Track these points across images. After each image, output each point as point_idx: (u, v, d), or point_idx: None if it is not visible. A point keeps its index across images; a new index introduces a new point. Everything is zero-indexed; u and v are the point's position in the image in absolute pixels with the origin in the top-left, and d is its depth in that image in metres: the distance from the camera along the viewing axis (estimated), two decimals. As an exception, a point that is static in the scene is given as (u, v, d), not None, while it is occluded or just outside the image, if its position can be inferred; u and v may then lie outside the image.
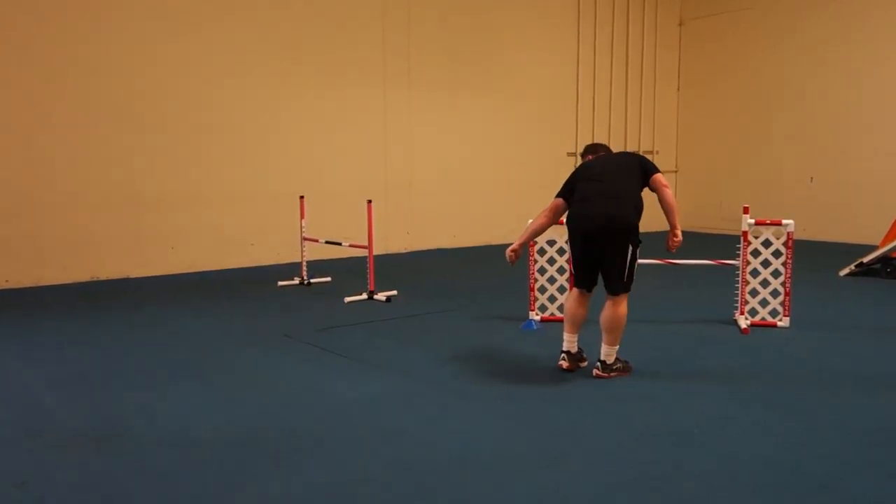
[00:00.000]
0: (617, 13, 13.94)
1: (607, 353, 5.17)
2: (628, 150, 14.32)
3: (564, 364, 5.33)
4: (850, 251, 10.20)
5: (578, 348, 5.41)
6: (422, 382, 5.12)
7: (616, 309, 5.12)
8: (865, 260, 9.31)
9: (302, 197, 9.21)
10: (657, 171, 5.27)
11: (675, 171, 15.16)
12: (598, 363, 5.19)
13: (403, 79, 11.62)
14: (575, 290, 5.36)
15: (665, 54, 14.79)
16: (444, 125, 12.16)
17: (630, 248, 5.09)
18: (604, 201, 5.15)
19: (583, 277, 5.28)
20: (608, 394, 4.88)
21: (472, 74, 12.33)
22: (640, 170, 5.28)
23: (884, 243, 9.76)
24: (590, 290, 5.34)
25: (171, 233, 9.81)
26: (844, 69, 12.62)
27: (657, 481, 3.54)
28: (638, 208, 5.18)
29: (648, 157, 14.42)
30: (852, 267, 9.37)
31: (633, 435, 4.14)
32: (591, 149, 5.91)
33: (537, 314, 6.88)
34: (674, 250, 5.41)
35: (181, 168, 9.83)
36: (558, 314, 6.86)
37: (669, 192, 5.22)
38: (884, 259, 9.25)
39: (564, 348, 5.35)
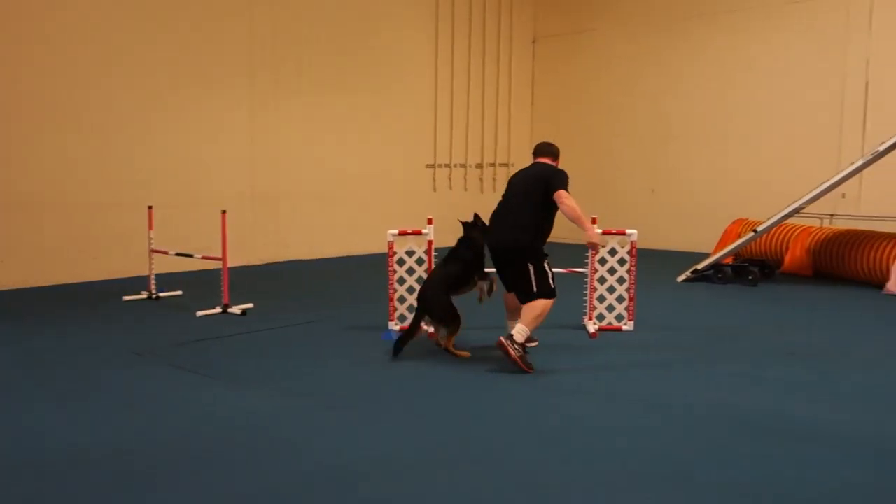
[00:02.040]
0: (473, 30, 14.30)
1: (518, 330, 5.63)
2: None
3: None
4: (687, 259, 10.93)
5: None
6: (282, 396, 5.05)
7: (534, 302, 5.69)
8: (700, 267, 10.01)
9: (150, 207, 8.77)
10: (558, 188, 5.68)
11: (529, 183, 15.69)
12: (508, 335, 5.65)
13: (269, 84, 11.38)
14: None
15: (519, 70, 15.31)
16: (308, 136, 12.01)
17: (530, 266, 5.67)
18: (500, 224, 5.90)
19: (503, 282, 5.99)
20: (472, 397, 5.00)
21: (335, 85, 12.25)
22: (543, 187, 5.76)
23: (715, 251, 10.55)
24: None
25: None
26: (679, 89, 13.52)
27: (528, 480, 3.67)
28: (536, 227, 5.78)
29: (504, 169, 14.92)
30: (688, 273, 10.05)
31: (504, 437, 4.27)
32: (534, 151, 6.25)
33: (397, 324, 6.93)
34: (595, 251, 6.08)
35: (13, 174, 9.11)
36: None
37: (567, 205, 5.65)
38: (716, 266, 9.98)
39: (509, 333, 5.82)
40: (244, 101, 11.19)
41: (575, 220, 5.70)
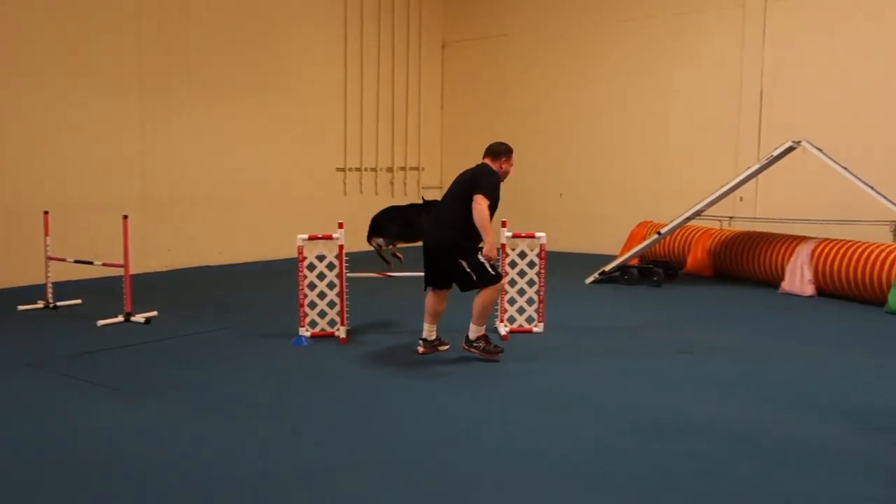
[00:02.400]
0: (383, 34, 14.25)
1: (472, 330, 6.00)
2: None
3: (420, 349, 6.17)
4: (595, 261, 11.17)
5: (437, 336, 6.21)
6: (183, 407, 4.88)
7: (479, 296, 5.89)
8: (607, 269, 10.25)
9: (46, 213, 8.35)
10: (477, 191, 5.75)
11: (440, 188, 15.75)
12: (465, 338, 6.04)
13: (162, 85, 11.03)
14: (428, 289, 6.08)
15: (429, 74, 15.36)
16: (212, 137, 11.70)
17: (461, 262, 5.80)
18: (431, 223, 6.12)
19: (428, 279, 6.06)
20: (376, 402, 4.96)
21: (241, 87, 12.00)
22: (469, 187, 5.84)
23: (622, 253, 10.83)
24: (439, 288, 6.05)
25: None
26: (586, 95, 13.83)
27: (431, 481, 3.65)
28: (464, 227, 5.79)
29: (414, 173, 14.93)
30: (596, 275, 10.28)
31: (403, 438, 4.24)
32: (485, 152, 6.31)
33: (307, 330, 6.83)
34: (490, 261, 5.86)
35: None
36: (329, 329, 6.86)
37: (476, 210, 5.69)
38: (622, 268, 10.25)
39: (423, 336, 6.16)
40: (134, 104, 10.77)
41: (480, 227, 5.74)
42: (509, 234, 7.08)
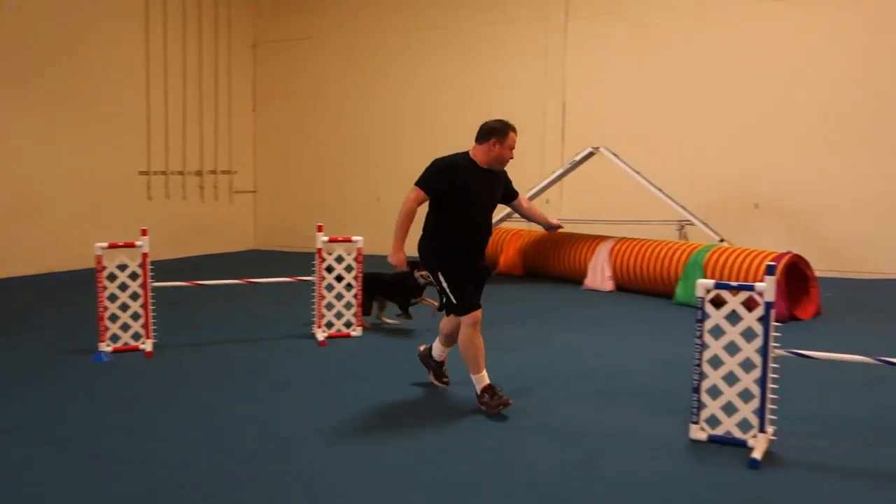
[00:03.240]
0: (189, 32, 13.63)
1: (473, 380, 4.96)
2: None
3: (420, 349, 5.57)
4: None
5: (443, 363, 5.45)
6: (-34, 435, 4.40)
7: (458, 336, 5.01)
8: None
9: None
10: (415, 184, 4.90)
11: (254, 192, 15.31)
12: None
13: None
14: None
15: (240, 74, 14.86)
16: (3, 143, 10.66)
17: (438, 274, 4.91)
18: None
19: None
20: (172, 420, 4.73)
21: (35, 89, 11.01)
22: None
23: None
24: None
25: None
26: (396, 100, 13.99)
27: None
28: (433, 231, 4.96)
29: (226, 177, 14.41)
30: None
31: (217, 455, 4.07)
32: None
33: (108, 344, 6.37)
34: (395, 265, 5.04)
35: None
36: (133, 342, 6.44)
37: (402, 208, 4.91)
38: (438, 269, 10.43)
39: (433, 352, 5.44)
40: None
41: (398, 219, 4.94)
42: (325, 238, 7.00)
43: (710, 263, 8.53)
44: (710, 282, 4.30)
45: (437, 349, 5.38)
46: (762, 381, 4.11)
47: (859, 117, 10.89)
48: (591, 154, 9.94)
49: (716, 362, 4.28)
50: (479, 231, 4.99)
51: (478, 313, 4.88)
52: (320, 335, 6.91)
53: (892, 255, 10.80)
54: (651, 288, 9.34)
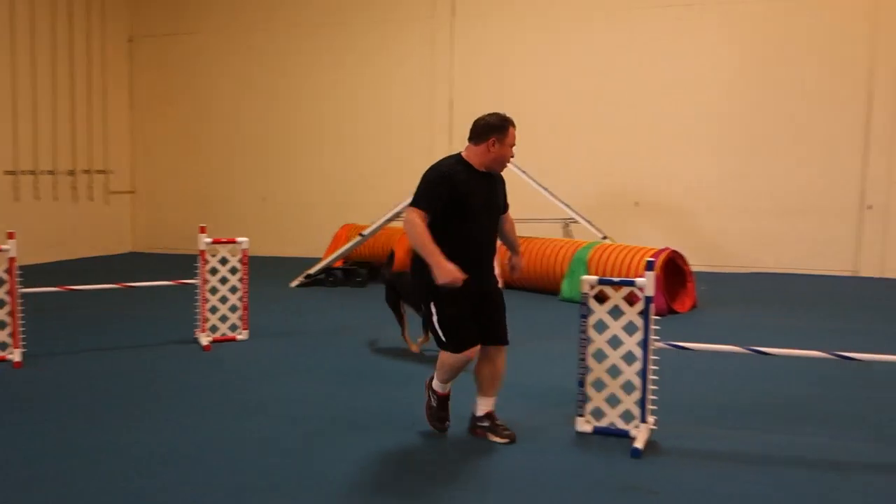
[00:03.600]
0: (59, 25, 12.88)
1: (435, 384, 4.42)
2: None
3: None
4: (300, 264, 11.11)
5: (490, 414, 4.41)
6: None
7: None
8: (312, 272, 10.27)
9: None
10: (410, 203, 4.17)
11: (132, 192, 14.67)
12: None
13: None
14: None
15: (115, 70, 14.18)
16: None
17: (427, 302, 4.23)
18: None
19: None
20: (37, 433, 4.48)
21: None
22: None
23: (326, 256, 10.91)
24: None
25: None
26: (285, 98, 13.74)
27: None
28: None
29: (101, 177, 13.75)
30: (302, 278, 10.24)
31: (106, 463, 3.87)
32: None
33: (-28, 356, 5.95)
34: (446, 284, 4.04)
35: None
36: (0, 353, 6.06)
37: (406, 228, 4.12)
38: (327, 270, 10.33)
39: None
40: None
41: (416, 245, 4.09)
42: (209, 240, 6.78)
43: (593, 260, 8.80)
44: (594, 278, 4.43)
45: (478, 404, 4.42)
46: (643, 373, 4.27)
47: (731, 120, 11.53)
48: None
49: (600, 356, 4.42)
50: (483, 246, 4.38)
51: (472, 352, 4.18)
52: (204, 339, 6.69)
53: (761, 250, 11.51)
54: (538, 285, 9.54)
